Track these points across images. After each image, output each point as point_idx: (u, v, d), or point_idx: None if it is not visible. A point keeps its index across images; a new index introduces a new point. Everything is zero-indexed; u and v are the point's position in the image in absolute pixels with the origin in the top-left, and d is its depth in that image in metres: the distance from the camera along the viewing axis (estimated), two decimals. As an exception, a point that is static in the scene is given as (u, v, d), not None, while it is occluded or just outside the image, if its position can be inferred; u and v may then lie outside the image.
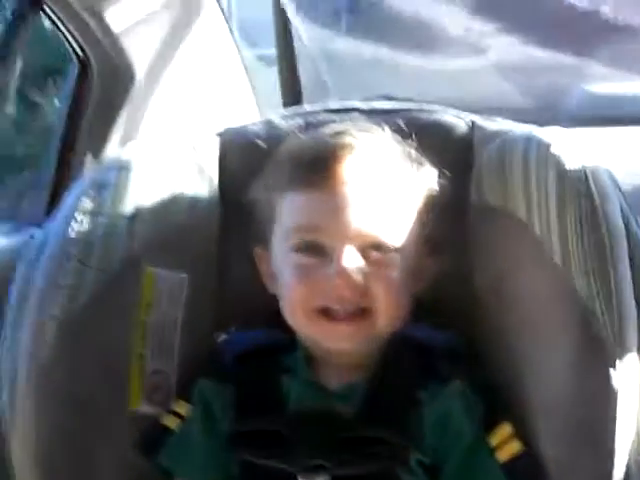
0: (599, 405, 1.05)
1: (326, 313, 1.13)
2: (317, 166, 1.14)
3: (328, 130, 1.20)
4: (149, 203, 1.22)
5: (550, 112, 1.98)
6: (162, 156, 1.27)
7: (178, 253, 1.24)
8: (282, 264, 1.18)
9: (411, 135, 1.22)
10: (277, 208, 1.18)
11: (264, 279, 1.24)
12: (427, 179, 1.20)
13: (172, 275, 1.22)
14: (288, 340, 1.22)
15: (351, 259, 1.11)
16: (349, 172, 1.14)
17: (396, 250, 1.14)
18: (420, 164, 1.20)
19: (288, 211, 1.17)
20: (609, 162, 1.20)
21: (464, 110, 1.35)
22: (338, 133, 1.18)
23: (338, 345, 1.15)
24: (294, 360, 1.20)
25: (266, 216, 1.20)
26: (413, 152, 1.21)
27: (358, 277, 1.11)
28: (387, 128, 1.23)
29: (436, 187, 1.20)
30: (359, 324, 1.13)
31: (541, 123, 1.28)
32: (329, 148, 1.16)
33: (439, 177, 1.21)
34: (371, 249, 1.13)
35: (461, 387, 1.13)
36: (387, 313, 1.14)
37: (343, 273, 1.10)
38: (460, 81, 2.06)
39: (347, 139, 1.16)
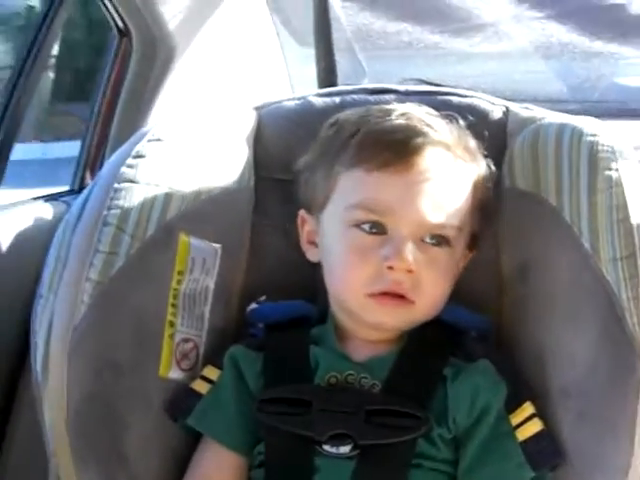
0: (622, 390, 1.06)
1: (377, 295, 1.14)
2: (395, 149, 1.14)
3: (400, 113, 1.18)
4: (185, 174, 1.24)
5: (582, 104, 1.98)
6: (199, 128, 1.29)
7: (212, 224, 1.25)
8: (335, 237, 1.18)
9: (469, 126, 1.22)
10: (339, 181, 1.17)
11: (303, 245, 1.25)
12: (484, 172, 1.21)
13: (206, 244, 1.24)
14: (318, 312, 1.24)
15: (412, 247, 1.12)
16: (426, 160, 1.14)
17: (452, 245, 1.16)
18: (479, 156, 1.21)
19: (355, 187, 1.16)
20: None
21: (498, 96, 1.36)
22: (413, 118, 1.17)
23: (380, 321, 1.16)
24: (323, 331, 1.22)
25: (320, 186, 1.19)
26: (473, 144, 1.21)
27: (415, 265, 1.12)
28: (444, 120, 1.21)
29: (489, 181, 1.21)
30: (403, 309, 1.14)
31: (573, 114, 1.28)
32: (408, 132, 1.15)
33: (490, 170, 1.22)
34: (429, 239, 1.14)
35: (488, 366, 1.15)
36: (430, 304, 1.16)
37: (404, 259, 1.11)
38: (494, 66, 2.05)
39: (425, 126, 1.16)
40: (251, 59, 1.90)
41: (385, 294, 1.13)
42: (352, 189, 1.17)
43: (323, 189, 1.19)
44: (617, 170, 1.15)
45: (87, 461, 1.13)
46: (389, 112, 1.19)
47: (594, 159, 1.17)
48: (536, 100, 1.39)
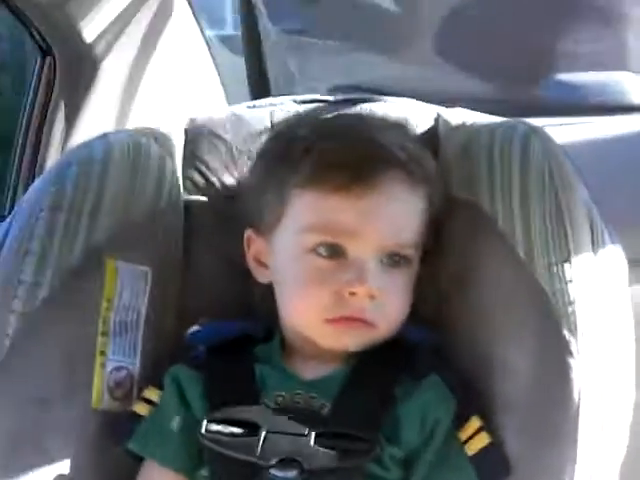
0: (561, 399, 1.05)
1: (337, 320, 1.11)
2: (352, 171, 1.09)
3: (353, 129, 1.15)
4: (111, 197, 1.21)
5: (519, 102, 1.97)
6: (124, 149, 1.25)
7: (142, 247, 1.22)
8: (289, 262, 1.14)
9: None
10: (291, 203, 1.13)
11: (251, 266, 1.20)
12: (438, 186, 1.18)
13: (135, 268, 1.21)
14: (262, 329, 1.21)
15: (374, 270, 1.10)
16: (385, 181, 1.11)
17: (411, 263, 1.14)
18: (433, 170, 1.18)
19: (308, 209, 1.12)
20: (572, 152, 1.20)
21: (428, 101, 1.34)
22: (367, 137, 1.14)
23: (339, 347, 1.14)
24: (269, 349, 1.19)
25: (271, 206, 1.15)
26: (428, 158, 1.18)
27: (377, 291, 1.10)
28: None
29: (442, 194, 1.18)
30: (365, 332, 1.12)
31: (511, 114, 1.27)
32: (364, 153, 1.11)
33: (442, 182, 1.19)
34: (387, 259, 1.12)
35: (438, 381, 1.12)
36: (391, 326, 1.13)
37: (367, 285, 1.09)
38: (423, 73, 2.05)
39: (380, 147, 1.12)
40: (181, 71, 1.87)
41: (345, 318, 1.10)
42: (305, 212, 1.12)
43: (274, 210, 1.15)
44: (549, 173, 1.14)
45: None
46: (342, 128, 1.15)
47: (525, 164, 1.15)
48: (468, 103, 1.35)
